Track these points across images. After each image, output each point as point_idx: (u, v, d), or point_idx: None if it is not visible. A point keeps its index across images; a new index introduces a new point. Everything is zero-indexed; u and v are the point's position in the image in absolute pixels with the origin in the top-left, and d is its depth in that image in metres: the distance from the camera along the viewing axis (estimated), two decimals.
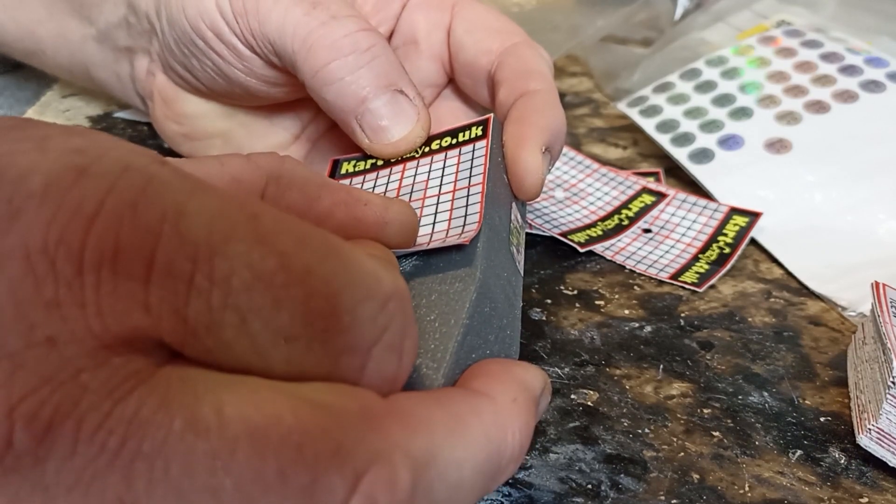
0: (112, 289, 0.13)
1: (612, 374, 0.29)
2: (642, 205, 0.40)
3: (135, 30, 0.35)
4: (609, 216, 0.39)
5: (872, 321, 0.28)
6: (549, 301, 0.33)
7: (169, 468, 0.13)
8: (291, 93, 0.32)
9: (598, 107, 0.54)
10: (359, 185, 0.27)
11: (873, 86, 0.43)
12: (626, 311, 0.33)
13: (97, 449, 0.12)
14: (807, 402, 0.28)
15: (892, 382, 0.25)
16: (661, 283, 0.35)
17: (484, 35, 0.32)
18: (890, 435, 0.25)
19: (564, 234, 0.37)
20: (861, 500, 0.24)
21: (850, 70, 0.45)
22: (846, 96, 0.43)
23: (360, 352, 0.15)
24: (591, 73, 0.60)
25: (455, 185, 0.25)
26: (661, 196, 0.41)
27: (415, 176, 0.26)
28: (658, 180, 0.43)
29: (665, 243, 0.38)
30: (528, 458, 0.25)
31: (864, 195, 0.40)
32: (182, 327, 0.13)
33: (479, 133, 0.27)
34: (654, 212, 0.40)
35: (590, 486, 0.24)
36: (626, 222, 0.39)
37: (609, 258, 0.36)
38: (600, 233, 0.38)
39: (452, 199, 0.24)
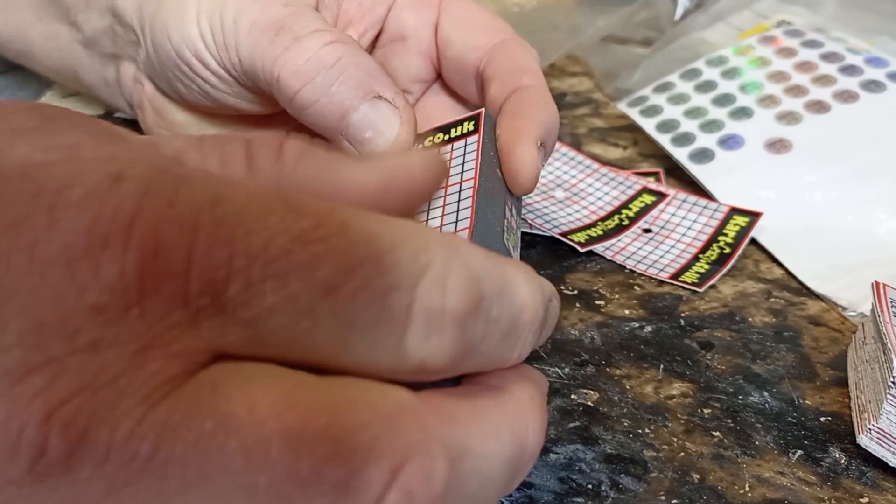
0: (154, 288, 0.13)
1: (612, 374, 0.29)
2: (642, 205, 0.40)
3: (121, 39, 0.35)
4: (609, 216, 0.39)
5: (873, 321, 0.28)
6: None
7: (202, 469, 0.13)
8: (280, 105, 0.33)
9: (598, 107, 0.54)
10: None
11: (873, 86, 0.43)
12: (627, 311, 0.33)
13: (129, 455, 0.12)
14: (807, 402, 0.28)
15: (893, 382, 0.25)
16: (661, 282, 0.35)
17: (471, 31, 0.32)
18: (890, 435, 0.25)
19: (565, 234, 0.37)
20: (861, 500, 0.24)
21: (850, 70, 0.45)
22: (846, 96, 0.43)
23: (405, 290, 0.14)
24: (592, 73, 0.60)
25: (447, 181, 0.25)
26: (661, 196, 0.41)
27: None
28: (658, 180, 0.43)
29: (665, 243, 0.38)
30: None
31: (864, 195, 0.40)
32: (222, 311, 0.13)
33: (471, 128, 0.26)
34: (655, 212, 0.40)
35: (590, 486, 0.24)
36: (626, 222, 0.39)
37: (609, 258, 0.36)
38: (600, 233, 0.38)
39: (445, 195, 0.24)
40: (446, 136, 0.27)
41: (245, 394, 0.13)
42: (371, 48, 0.35)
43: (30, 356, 0.12)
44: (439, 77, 0.35)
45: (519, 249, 0.26)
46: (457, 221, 0.23)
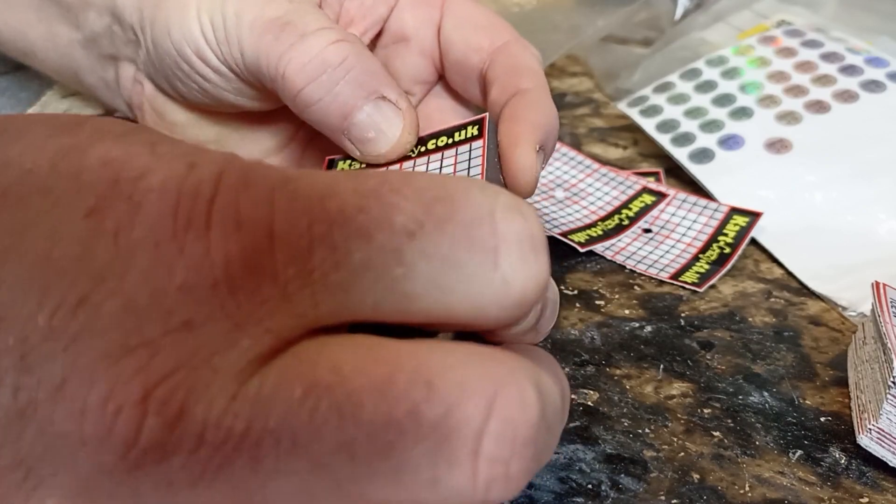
0: (241, 264, 0.13)
1: (612, 374, 0.29)
2: (642, 205, 0.40)
3: (119, 39, 0.35)
4: (609, 216, 0.39)
5: (873, 321, 0.28)
6: None
7: (297, 438, 0.13)
8: (281, 103, 0.33)
9: (598, 107, 0.54)
10: None
11: (873, 86, 0.43)
12: (627, 311, 0.33)
13: (224, 434, 0.12)
14: (807, 402, 0.28)
15: (893, 382, 0.25)
16: (661, 282, 0.35)
17: (474, 32, 0.32)
18: (890, 435, 0.25)
19: (565, 234, 0.37)
20: (861, 500, 0.24)
21: (850, 70, 0.45)
22: (846, 96, 0.43)
23: (486, 218, 0.15)
24: (592, 73, 0.60)
25: None
26: (661, 196, 0.41)
27: None
28: (658, 180, 0.43)
29: (665, 243, 0.38)
30: None
31: (864, 195, 0.40)
32: (310, 280, 0.14)
33: (475, 133, 0.27)
34: (655, 212, 0.40)
35: (590, 486, 0.24)
36: (626, 222, 0.39)
37: (609, 258, 0.36)
38: (600, 233, 0.38)
39: None
40: (450, 140, 0.27)
41: (329, 358, 0.14)
42: (372, 48, 0.34)
43: (126, 338, 0.12)
44: (441, 79, 0.35)
45: None
46: None
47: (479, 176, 0.24)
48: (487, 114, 0.27)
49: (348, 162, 0.28)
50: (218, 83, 0.31)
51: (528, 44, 0.32)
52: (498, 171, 0.26)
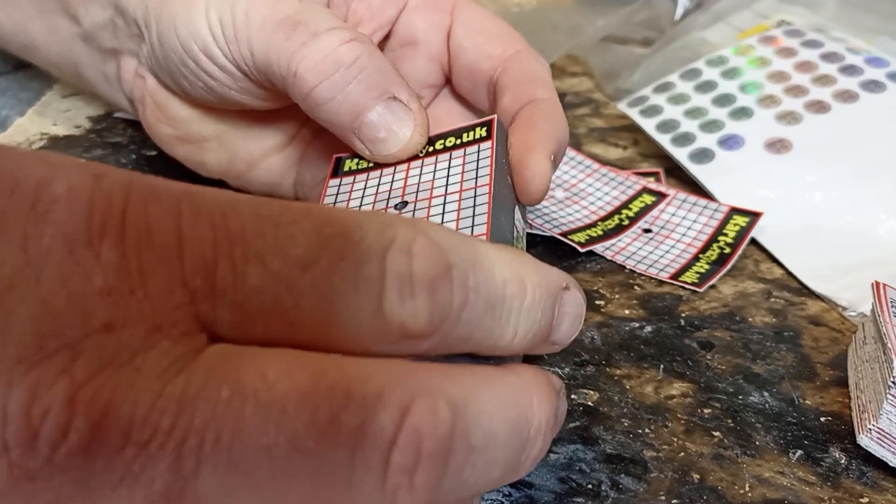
0: (153, 270, 0.14)
1: (612, 374, 0.29)
2: (642, 205, 0.40)
3: (122, 32, 0.35)
4: (609, 216, 0.39)
5: (873, 321, 0.28)
6: None
7: (220, 438, 0.13)
8: (287, 101, 0.32)
9: (598, 107, 0.54)
10: (362, 184, 0.27)
11: (874, 86, 0.43)
12: (627, 311, 0.33)
13: (149, 433, 0.13)
14: (807, 402, 0.28)
15: (893, 382, 0.25)
16: (661, 283, 0.35)
17: (485, 39, 0.32)
18: (890, 435, 0.25)
19: (565, 234, 0.37)
20: (861, 500, 0.24)
21: (850, 70, 0.45)
22: (846, 96, 0.43)
23: (376, 259, 0.16)
24: (592, 73, 0.60)
25: (462, 186, 0.25)
26: (661, 196, 0.41)
27: (420, 175, 0.26)
28: (658, 180, 0.43)
29: (665, 243, 0.38)
30: None
31: (864, 195, 0.40)
32: (213, 292, 0.14)
33: (484, 134, 0.27)
34: (655, 212, 0.40)
35: (590, 486, 0.24)
36: (626, 222, 0.39)
37: (609, 258, 0.36)
38: (600, 233, 0.38)
39: (459, 200, 0.24)
40: (458, 141, 0.27)
41: (254, 363, 0.14)
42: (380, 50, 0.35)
43: (43, 341, 0.12)
44: (448, 83, 0.35)
45: (524, 248, 0.26)
46: (473, 227, 0.23)
47: (488, 178, 0.24)
48: (496, 116, 0.27)
49: (356, 161, 0.28)
50: (224, 81, 0.31)
51: (538, 55, 0.32)
52: (506, 174, 0.26)
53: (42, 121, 0.47)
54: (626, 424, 0.27)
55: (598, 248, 0.37)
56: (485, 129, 0.27)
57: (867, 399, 0.27)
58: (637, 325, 0.32)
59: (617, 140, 0.49)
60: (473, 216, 0.23)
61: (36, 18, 0.40)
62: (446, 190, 0.25)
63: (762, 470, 0.25)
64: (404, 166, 0.27)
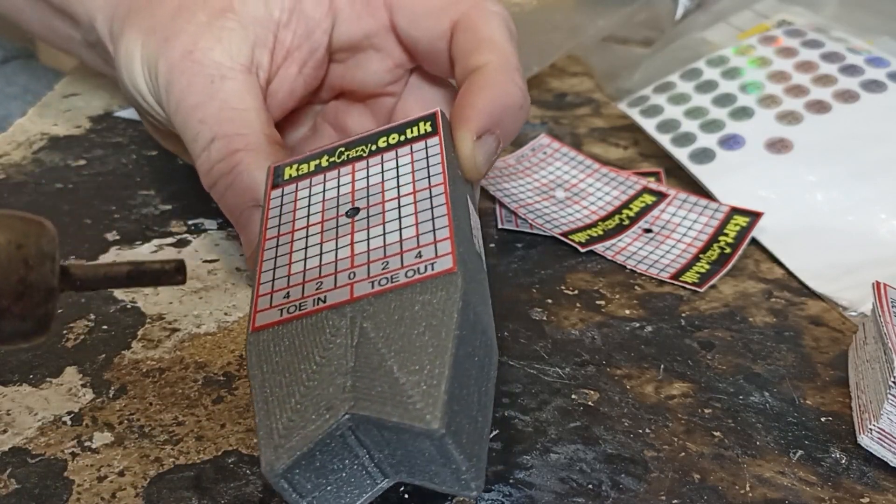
0: None
1: (612, 374, 0.29)
2: (643, 205, 0.40)
3: (109, 53, 0.36)
4: (610, 216, 0.39)
5: (873, 321, 0.28)
6: (549, 301, 0.33)
7: None
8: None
9: (598, 107, 0.54)
10: (306, 191, 0.26)
11: (874, 86, 0.43)
12: (627, 311, 0.33)
13: None
14: (808, 402, 0.28)
15: (894, 382, 0.25)
16: (661, 283, 0.35)
17: (430, 19, 0.31)
18: (891, 435, 0.25)
19: (565, 234, 0.37)
20: (862, 501, 0.24)
21: (850, 70, 0.45)
22: (847, 96, 0.43)
23: None
24: (592, 73, 0.60)
25: (415, 187, 0.24)
26: (661, 196, 0.41)
27: (367, 178, 0.25)
28: (659, 180, 0.43)
29: (666, 243, 0.38)
30: (528, 457, 0.25)
31: (864, 195, 0.40)
32: None
33: (429, 129, 0.26)
34: (655, 212, 0.40)
35: (590, 486, 0.24)
36: (626, 222, 0.39)
37: (610, 258, 0.36)
38: (601, 233, 0.38)
39: (415, 202, 0.24)
40: (402, 137, 0.26)
41: None
42: (325, 69, 0.34)
43: None
44: (415, 69, 0.34)
45: (481, 240, 0.26)
46: (434, 230, 0.22)
47: (441, 177, 0.24)
48: (440, 109, 0.26)
49: (295, 167, 0.27)
50: (165, 122, 0.32)
51: (490, 5, 0.30)
52: (457, 167, 0.26)
53: (42, 121, 0.48)
54: (626, 424, 0.27)
55: (598, 248, 0.37)
56: (429, 123, 0.26)
57: (868, 399, 0.27)
58: (637, 325, 0.32)
59: (617, 140, 0.49)
60: (433, 219, 0.23)
61: (31, 15, 0.41)
62: (399, 192, 0.24)
63: (763, 470, 0.25)
64: (349, 168, 0.26)
